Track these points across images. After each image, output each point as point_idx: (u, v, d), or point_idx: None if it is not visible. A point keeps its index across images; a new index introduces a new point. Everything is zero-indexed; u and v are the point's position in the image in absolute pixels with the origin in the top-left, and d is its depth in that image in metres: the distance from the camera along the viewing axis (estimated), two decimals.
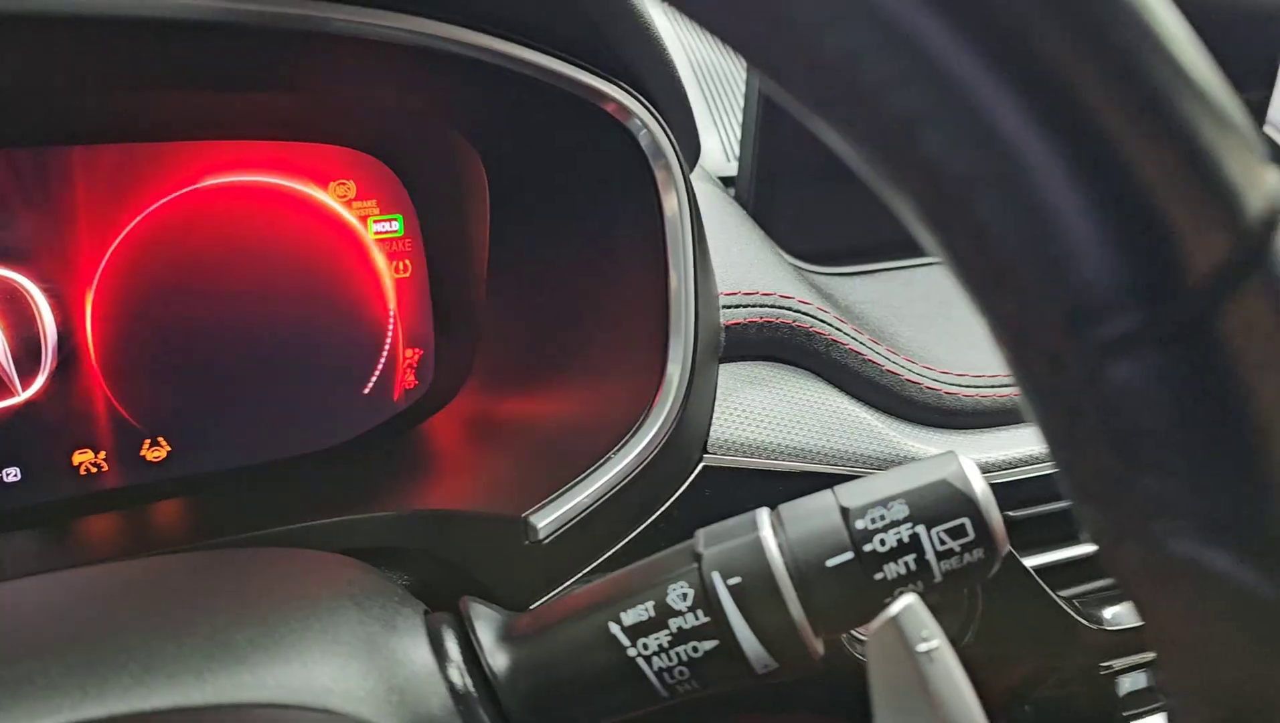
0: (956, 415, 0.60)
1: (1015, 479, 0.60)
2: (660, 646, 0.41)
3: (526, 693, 0.42)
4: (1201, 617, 0.26)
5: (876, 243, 0.72)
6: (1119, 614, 0.62)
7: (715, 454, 0.56)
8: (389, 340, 0.67)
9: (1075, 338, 0.23)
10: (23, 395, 0.58)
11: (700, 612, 0.41)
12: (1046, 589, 0.61)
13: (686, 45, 0.82)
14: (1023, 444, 0.61)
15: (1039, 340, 0.24)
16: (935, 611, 0.60)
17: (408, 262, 0.68)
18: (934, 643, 0.34)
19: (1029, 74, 0.21)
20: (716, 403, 0.57)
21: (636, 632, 0.41)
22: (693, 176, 0.65)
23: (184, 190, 0.62)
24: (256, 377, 0.64)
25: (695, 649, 0.41)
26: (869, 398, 0.60)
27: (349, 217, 0.66)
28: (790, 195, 0.72)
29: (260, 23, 0.48)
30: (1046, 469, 0.61)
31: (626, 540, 0.53)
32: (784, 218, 0.72)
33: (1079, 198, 0.22)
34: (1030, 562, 0.60)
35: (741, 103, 0.77)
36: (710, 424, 0.56)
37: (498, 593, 0.50)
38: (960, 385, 0.61)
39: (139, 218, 0.61)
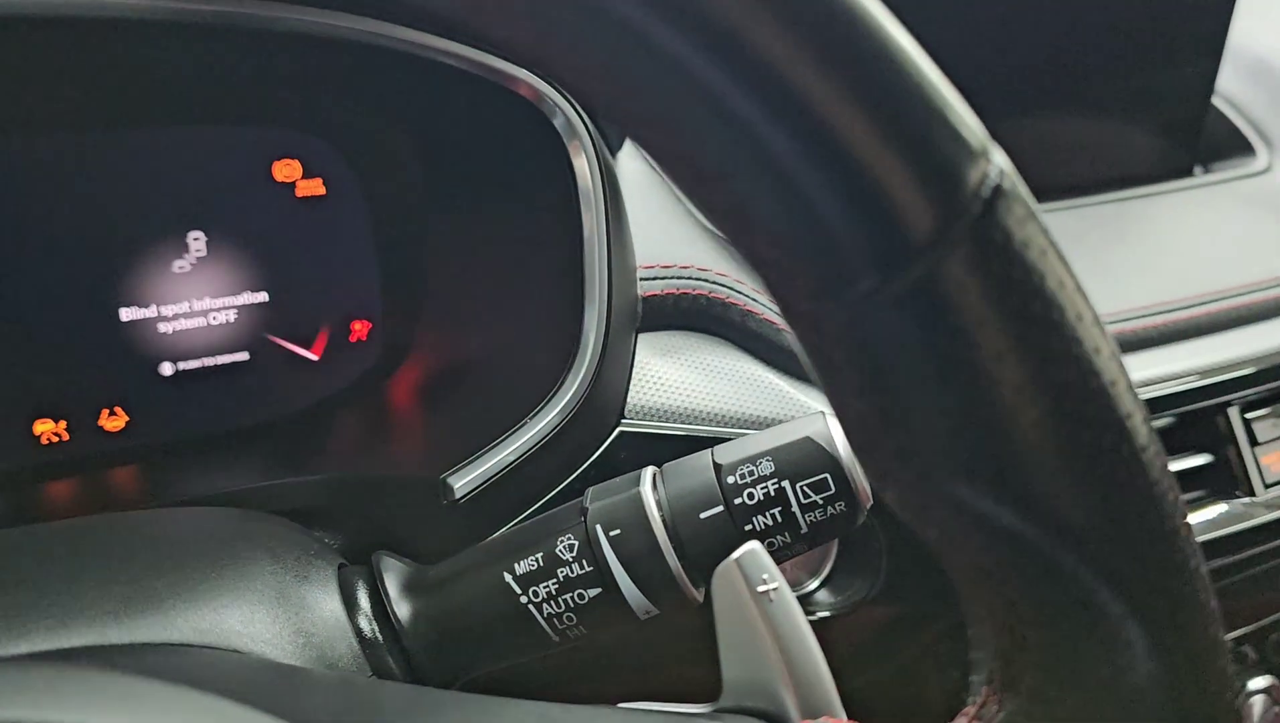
0: None
1: None
2: (549, 593, 0.44)
3: (429, 639, 0.46)
4: (963, 545, 0.29)
5: None
6: None
7: (632, 419, 0.59)
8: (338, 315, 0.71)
9: (827, 301, 0.26)
10: None
11: (584, 562, 0.44)
12: None
13: None
14: None
15: (799, 304, 0.27)
16: (850, 572, 0.63)
17: (353, 237, 0.71)
18: (773, 585, 0.37)
19: (765, 90, 0.24)
20: (634, 370, 0.60)
21: (527, 581, 0.45)
22: (623, 155, 0.68)
23: None
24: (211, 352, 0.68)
25: (581, 597, 0.44)
26: (783, 365, 0.63)
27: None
28: None
29: (215, 22, 0.51)
30: None
31: (543, 501, 0.57)
32: None
33: (817, 185, 0.25)
34: None
35: None
36: (627, 390, 0.59)
37: (421, 551, 0.53)
38: None
39: None
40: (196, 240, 0.68)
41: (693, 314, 0.62)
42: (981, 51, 0.89)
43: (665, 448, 0.59)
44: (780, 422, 0.61)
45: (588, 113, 0.59)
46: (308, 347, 0.71)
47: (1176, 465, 0.72)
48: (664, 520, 0.44)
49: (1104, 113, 0.97)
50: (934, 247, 0.25)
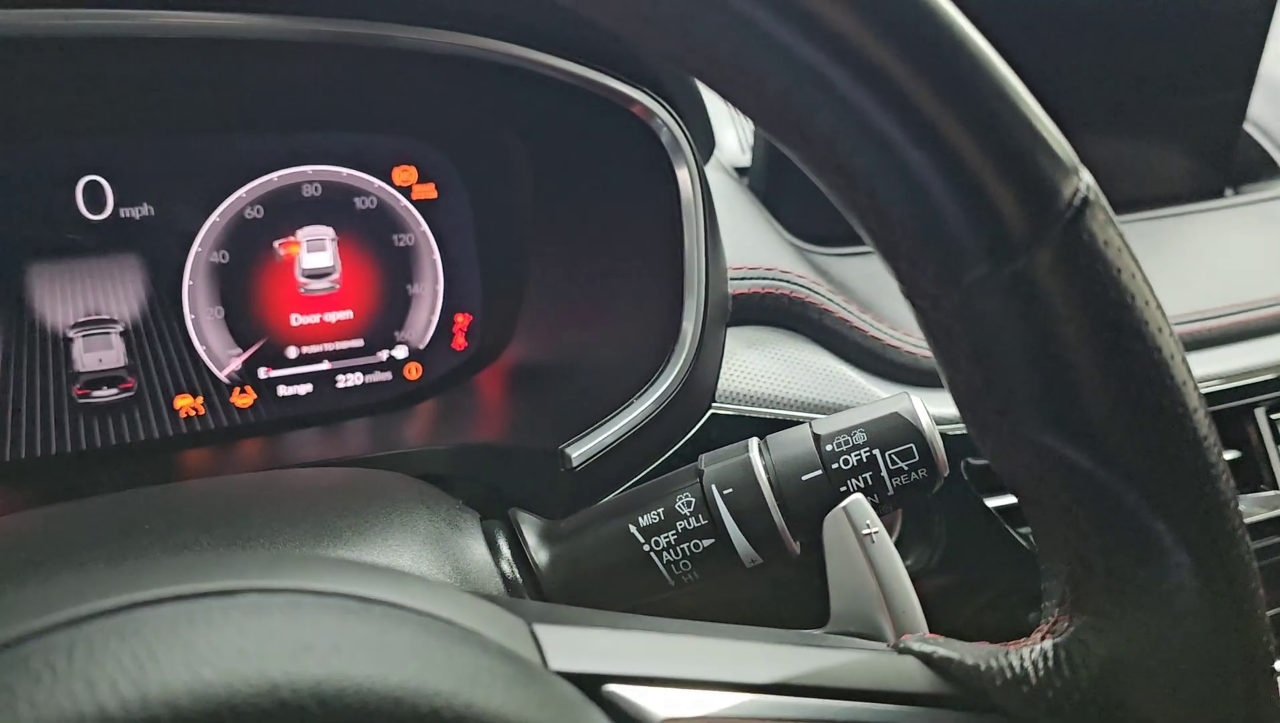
0: (929, 375, 0.71)
1: None
2: (669, 542, 0.52)
3: (563, 581, 0.53)
4: (1046, 485, 0.36)
5: None
6: None
7: (722, 403, 0.67)
8: (439, 306, 0.79)
9: (947, 284, 0.33)
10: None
11: (700, 516, 0.51)
12: (1006, 526, 0.71)
13: None
14: None
15: (924, 287, 0.34)
16: (914, 541, 0.70)
17: (460, 237, 0.79)
18: (875, 528, 0.44)
19: (904, 110, 0.31)
20: (724, 360, 0.68)
21: (650, 532, 0.52)
22: (708, 167, 0.76)
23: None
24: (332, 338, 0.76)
25: (696, 546, 0.51)
26: (855, 359, 0.70)
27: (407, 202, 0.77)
28: (796, 184, 0.82)
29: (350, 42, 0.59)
30: None
31: (645, 472, 0.64)
32: (790, 204, 0.82)
33: (942, 189, 0.32)
34: (992, 502, 0.70)
35: None
36: (718, 378, 0.67)
37: (541, 514, 0.60)
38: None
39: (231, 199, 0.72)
40: (325, 239, 0.76)
41: (776, 311, 0.69)
42: (1025, 78, 0.96)
43: (750, 429, 0.66)
44: (852, 408, 0.68)
45: (689, 127, 0.66)
46: (415, 336, 0.79)
47: None
48: (770, 482, 0.51)
49: (1140, 136, 1.03)
50: (1032, 245, 0.32)
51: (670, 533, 0.52)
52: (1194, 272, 0.92)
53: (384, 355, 0.79)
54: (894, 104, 0.31)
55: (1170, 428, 0.35)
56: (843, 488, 0.51)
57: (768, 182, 0.83)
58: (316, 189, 0.75)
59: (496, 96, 0.70)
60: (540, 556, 0.53)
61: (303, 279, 0.76)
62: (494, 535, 0.55)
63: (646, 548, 0.52)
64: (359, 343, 0.78)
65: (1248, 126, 1.13)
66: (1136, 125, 1.03)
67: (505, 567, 0.53)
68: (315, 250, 0.76)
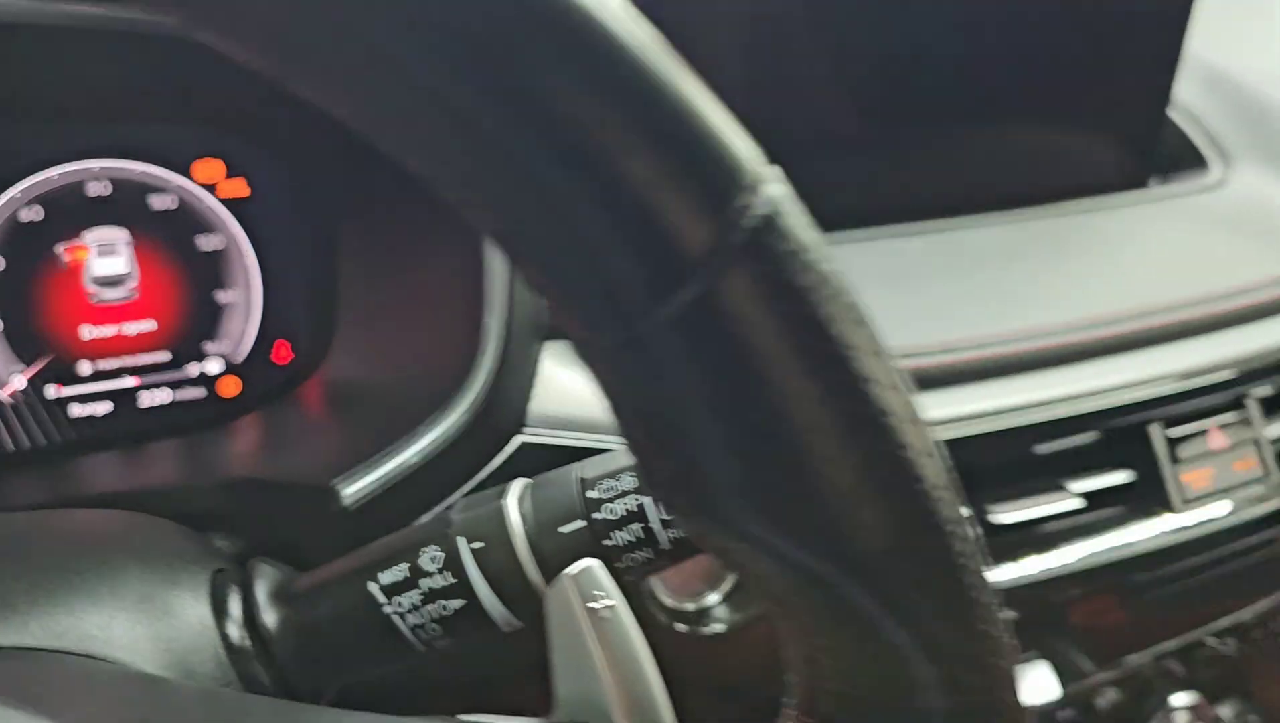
0: None
1: None
2: (413, 603, 0.45)
3: (296, 647, 0.46)
4: (750, 575, 0.29)
5: None
6: None
7: (534, 427, 0.59)
8: (257, 314, 0.71)
9: (600, 330, 0.26)
10: None
11: (449, 573, 0.44)
12: None
13: None
14: None
15: (582, 336, 0.27)
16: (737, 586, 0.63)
17: (279, 239, 0.71)
18: (608, 602, 0.37)
19: (525, 118, 0.24)
20: (541, 381, 0.60)
21: (392, 591, 0.45)
22: None
23: None
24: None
25: (445, 608, 0.44)
26: None
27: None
28: None
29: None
30: None
31: (438, 510, 0.57)
32: None
33: (595, 229, 0.25)
34: None
35: None
36: (528, 400, 0.59)
37: (315, 559, 0.53)
38: None
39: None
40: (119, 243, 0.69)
41: None
42: (939, 61, 0.89)
43: (566, 458, 0.59)
44: None
45: None
46: (230, 348, 0.71)
47: (1099, 482, 0.72)
48: (526, 534, 0.44)
49: (1060, 123, 0.97)
50: (695, 277, 0.25)
51: (415, 593, 0.45)
52: (1101, 271, 0.85)
53: (195, 370, 0.72)
54: (493, 88, 0.24)
55: (891, 506, 0.28)
56: (606, 541, 0.43)
57: None
58: (105, 187, 0.67)
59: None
60: (270, 616, 0.46)
61: (93, 287, 0.68)
62: (225, 592, 0.47)
63: (389, 610, 0.45)
64: (165, 357, 0.71)
65: (1174, 113, 1.06)
66: (1056, 113, 0.97)
67: (232, 629, 0.46)
68: (107, 255, 0.68)
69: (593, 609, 0.37)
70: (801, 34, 0.81)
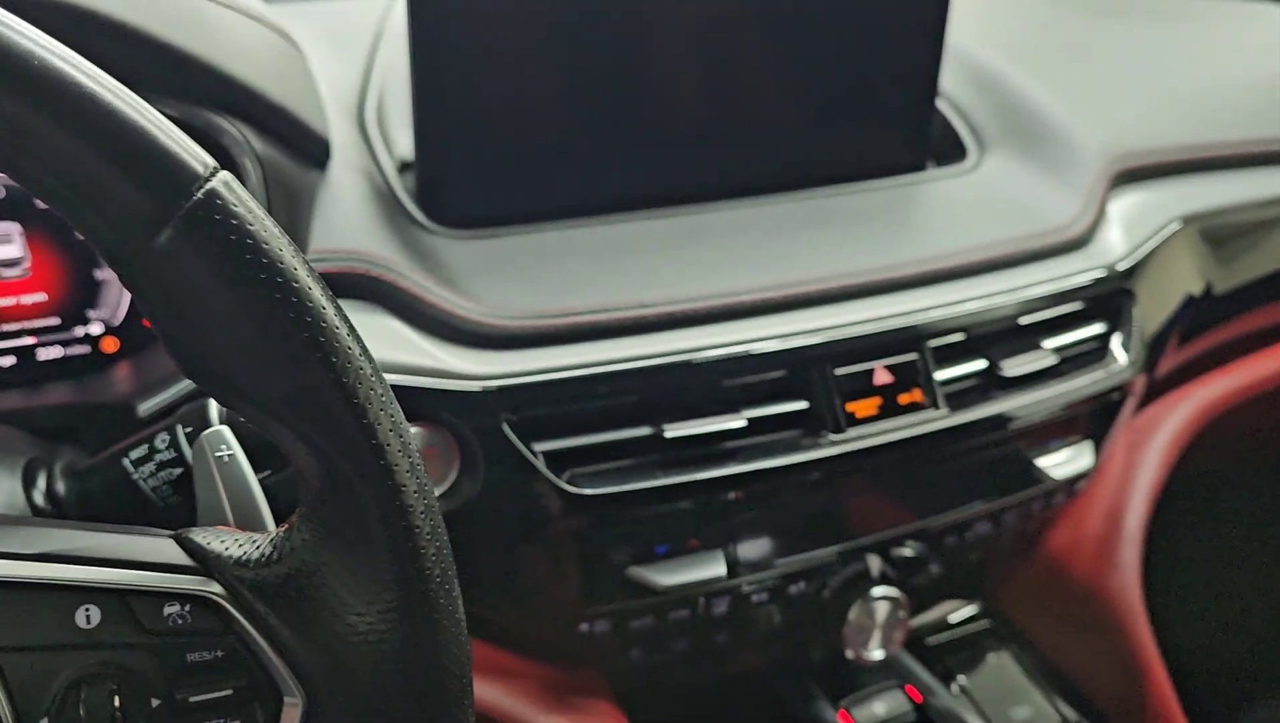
0: (490, 338, 0.84)
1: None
2: (151, 472, 0.66)
3: (79, 505, 0.67)
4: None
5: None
6: None
7: None
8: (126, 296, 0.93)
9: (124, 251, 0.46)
10: None
11: (171, 450, 0.65)
12: (548, 473, 0.84)
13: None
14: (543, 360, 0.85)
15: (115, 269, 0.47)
16: (470, 478, 0.83)
17: None
18: (229, 452, 0.57)
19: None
20: None
21: (137, 463, 0.66)
22: (343, 167, 0.89)
23: None
24: None
25: (170, 474, 0.65)
26: (421, 324, 0.83)
27: None
28: (455, 172, 0.95)
29: None
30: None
31: None
32: (446, 190, 0.95)
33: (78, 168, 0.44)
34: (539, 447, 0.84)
35: None
36: None
37: None
38: (506, 318, 0.85)
39: None
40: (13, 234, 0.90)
41: (356, 286, 0.83)
42: (712, 49, 1.02)
43: None
44: (404, 366, 0.81)
45: (273, 138, 0.80)
46: (109, 313, 0.93)
47: (782, 409, 0.91)
48: (220, 419, 0.65)
49: (834, 110, 1.09)
50: (152, 230, 0.45)
51: (151, 464, 0.66)
52: (834, 240, 1.02)
53: (81, 332, 0.93)
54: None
55: (311, 365, 0.47)
56: None
57: (424, 170, 0.96)
58: (1, 191, 0.89)
59: None
60: (61, 486, 0.68)
61: None
62: (34, 473, 0.69)
63: (135, 477, 0.66)
64: (55, 321, 0.93)
65: (940, 102, 1.22)
66: (830, 99, 1.09)
67: (36, 496, 0.67)
68: (4, 243, 0.90)
69: (219, 456, 0.57)
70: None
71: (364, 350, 0.49)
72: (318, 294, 0.48)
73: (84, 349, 0.94)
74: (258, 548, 0.51)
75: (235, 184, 0.47)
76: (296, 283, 0.47)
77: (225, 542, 0.51)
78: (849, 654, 1.02)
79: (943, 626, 1.19)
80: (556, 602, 0.90)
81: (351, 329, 0.49)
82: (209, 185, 0.45)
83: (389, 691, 0.51)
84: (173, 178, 0.45)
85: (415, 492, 0.50)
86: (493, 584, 0.89)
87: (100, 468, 0.68)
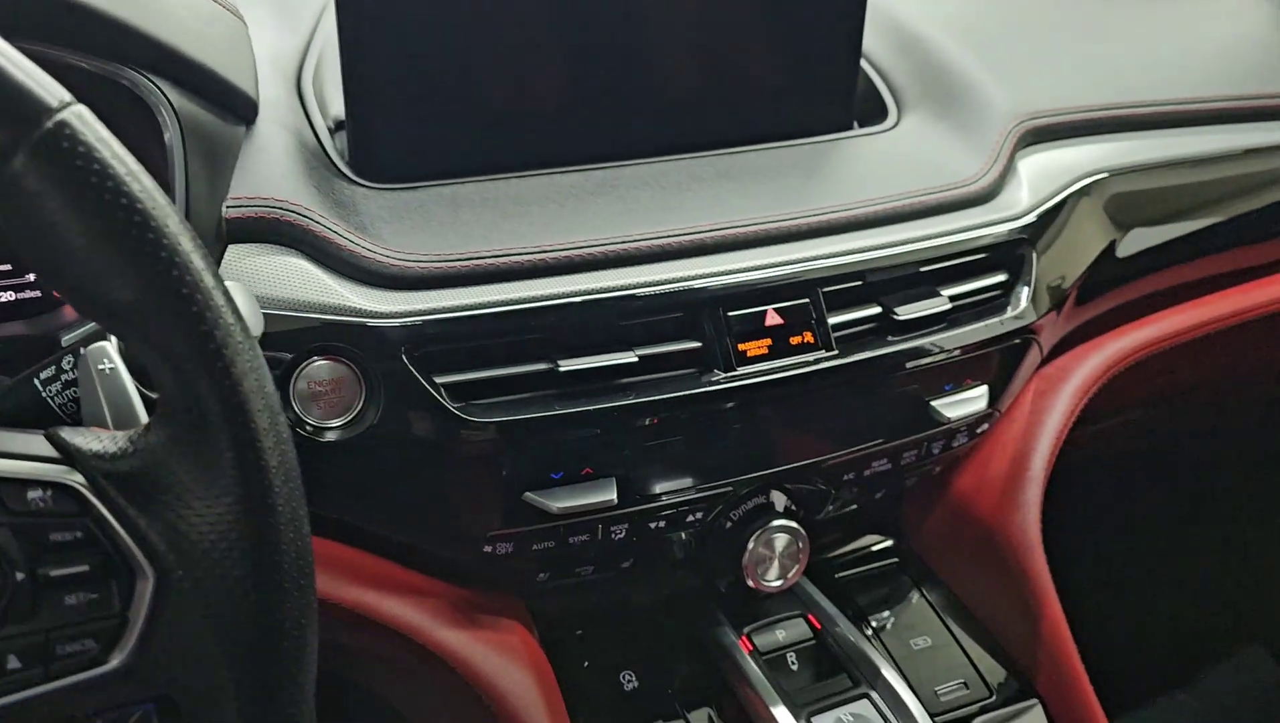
0: (395, 279, 0.91)
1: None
2: (57, 391, 0.73)
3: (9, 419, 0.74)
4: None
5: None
6: None
7: None
8: None
9: None
10: None
11: (73, 371, 0.72)
12: (444, 400, 0.91)
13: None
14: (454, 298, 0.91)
15: None
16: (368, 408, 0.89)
17: None
18: (111, 366, 0.65)
19: None
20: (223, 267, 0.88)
21: (45, 383, 0.73)
22: (273, 124, 0.96)
23: None
24: None
25: (75, 392, 0.73)
26: (334, 267, 0.90)
27: None
28: (381, 130, 1.02)
29: None
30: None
31: None
32: (372, 145, 1.02)
33: None
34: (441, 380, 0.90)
35: None
36: None
37: None
38: (412, 261, 0.92)
39: None
40: None
41: (272, 231, 0.90)
42: (637, 10, 1.06)
43: None
44: (312, 304, 0.88)
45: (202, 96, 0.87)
46: None
47: (675, 347, 0.97)
48: (118, 347, 0.72)
49: (760, 70, 1.14)
50: (6, 162, 0.52)
51: (58, 384, 0.73)
52: (750, 192, 1.07)
53: (30, 275, 1.01)
54: None
55: (157, 275, 0.54)
56: None
57: (353, 127, 1.03)
58: None
59: None
60: None
61: None
62: None
63: (44, 395, 0.74)
64: (7, 267, 1.01)
65: (865, 67, 1.27)
66: (754, 61, 1.13)
67: None
68: None
69: (100, 369, 0.65)
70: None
71: (208, 263, 0.56)
72: (161, 212, 0.55)
73: (34, 292, 1.02)
74: (116, 443, 0.58)
75: (89, 116, 0.54)
76: (139, 203, 0.54)
77: (88, 438, 0.58)
78: (750, 583, 1.08)
79: (855, 561, 1.25)
80: (460, 524, 0.98)
81: (198, 245, 0.56)
82: (59, 116, 0.52)
83: (231, 571, 0.58)
84: (24, 108, 0.52)
85: (254, 385, 0.57)
86: (399, 507, 0.96)
87: (16, 388, 0.75)
